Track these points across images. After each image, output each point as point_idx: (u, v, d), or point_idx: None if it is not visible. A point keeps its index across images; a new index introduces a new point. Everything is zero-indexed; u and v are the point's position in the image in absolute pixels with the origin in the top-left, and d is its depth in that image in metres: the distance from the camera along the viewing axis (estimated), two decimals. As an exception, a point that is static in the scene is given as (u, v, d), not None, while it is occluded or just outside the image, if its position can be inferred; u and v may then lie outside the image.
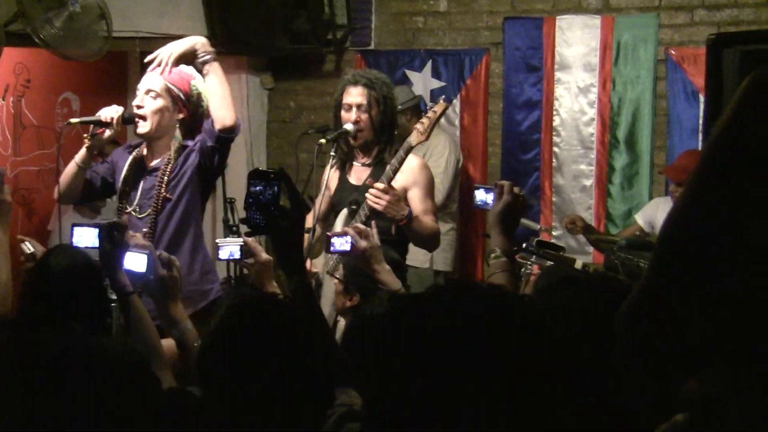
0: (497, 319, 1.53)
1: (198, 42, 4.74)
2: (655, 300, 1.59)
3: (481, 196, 3.42)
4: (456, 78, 7.61)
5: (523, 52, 7.44)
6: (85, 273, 3.48)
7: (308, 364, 2.04)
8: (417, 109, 6.95)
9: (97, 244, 3.50)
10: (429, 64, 7.71)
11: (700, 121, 6.84)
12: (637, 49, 7.08)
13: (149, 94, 4.64)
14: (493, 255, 3.33)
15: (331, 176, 5.01)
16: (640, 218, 6.46)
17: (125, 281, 3.33)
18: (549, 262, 5.62)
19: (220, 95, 4.67)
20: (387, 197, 4.55)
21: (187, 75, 4.69)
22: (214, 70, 4.70)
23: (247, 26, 7.54)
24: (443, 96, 5.05)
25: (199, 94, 4.70)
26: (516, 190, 3.31)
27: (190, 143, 4.73)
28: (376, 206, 4.57)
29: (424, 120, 4.70)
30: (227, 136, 4.66)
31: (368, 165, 5.00)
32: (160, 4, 7.63)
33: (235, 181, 7.48)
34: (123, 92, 8.53)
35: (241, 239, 3.88)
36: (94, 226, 3.57)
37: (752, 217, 1.45)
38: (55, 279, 3.42)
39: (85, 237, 3.57)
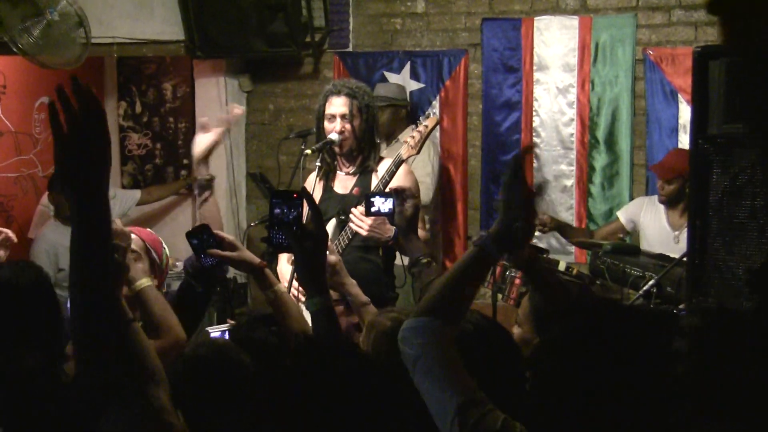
0: None
1: None
2: None
3: (379, 203, 3.35)
4: (435, 79, 7.61)
5: (501, 53, 7.45)
6: (36, 290, 3.24)
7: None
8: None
9: None
10: (407, 66, 7.70)
11: (679, 121, 6.90)
12: (615, 49, 7.11)
13: None
14: (424, 261, 3.28)
15: (315, 186, 5.04)
16: (621, 216, 6.49)
17: (124, 309, 3.26)
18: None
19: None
20: (369, 221, 4.57)
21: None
22: None
23: (224, 30, 7.53)
24: (433, 111, 5.04)
25: None
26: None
27: None
28: (360, 231, 4.59)
29: (415, 134, 4.72)
30: None
31: (353, 174, 5.02)
32: (137, 10, 7.60)
33: (218, 188, 7.39)
34: (100, 97, 8.51)
35: (227, 325, 3.82)
36: None
37: None
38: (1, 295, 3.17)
39: None
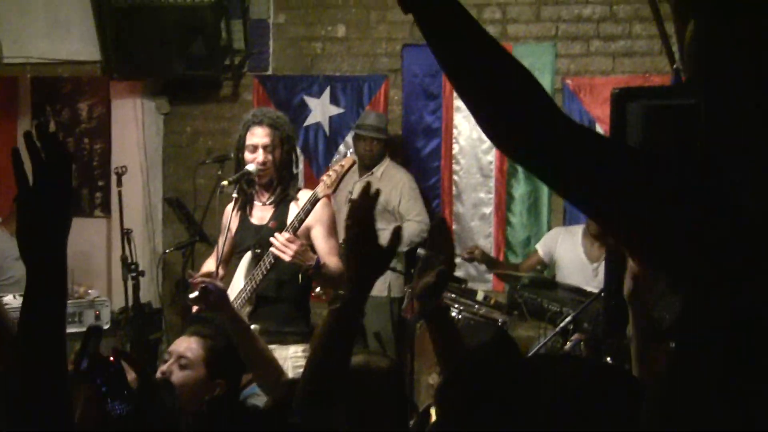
0: None
1: None
2: None
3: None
4: (355, 104, 7.58)
5: (421, 79, 7.46)
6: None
7: None
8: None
9: None
10: (327, 90, 7.67)
11: (597, 151, 6.93)
12: (535, 78, 7.13)
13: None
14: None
15: (232, 217, 4.96)
16: (540, 248, 6.48)
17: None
18: (452, 295, 5.65)
19: None
20: (294, 247, 4.50)
21: None
22: None
23: (142, 51, 7.42)
24: (350, 150, 5.00)
25: None
26: None
27: None
28: (283, 256, 4.51)
29: (331, 173, 4.67)
30: None
31: (269, 204, 4.96)
32: (52, 29, 7.46)
33: (133, 211, 7.36)
34: (13, 117, 8.33)
35: None
36: None
37: None
38: None
39: None
